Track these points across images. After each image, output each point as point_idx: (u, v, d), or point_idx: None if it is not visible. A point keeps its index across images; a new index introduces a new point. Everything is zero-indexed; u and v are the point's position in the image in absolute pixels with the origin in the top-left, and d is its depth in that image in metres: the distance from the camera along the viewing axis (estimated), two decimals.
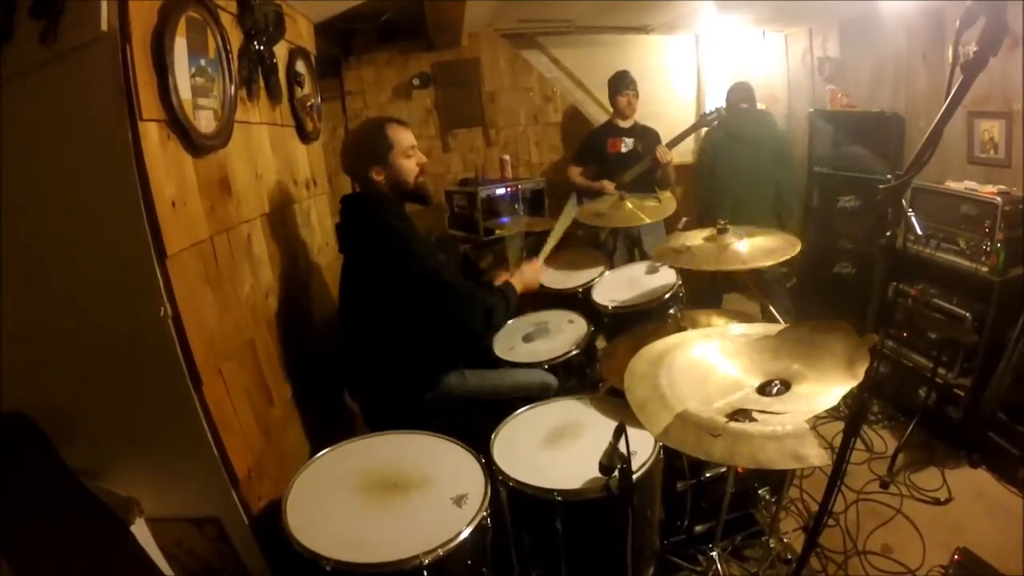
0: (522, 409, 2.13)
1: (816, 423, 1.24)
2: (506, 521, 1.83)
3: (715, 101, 4.49)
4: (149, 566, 1.57)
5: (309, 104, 2.87)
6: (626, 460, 1.49)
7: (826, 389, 1.33)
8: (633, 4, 4.05)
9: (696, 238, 2.53)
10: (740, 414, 1.31)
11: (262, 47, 2.26)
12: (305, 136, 2.86)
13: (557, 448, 1.92)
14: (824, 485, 1.49)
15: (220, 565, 1.85)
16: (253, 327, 2.07)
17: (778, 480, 2.36)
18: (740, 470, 2.13)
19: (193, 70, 1.74)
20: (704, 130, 4.36)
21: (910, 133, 3.83)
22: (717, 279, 4.25)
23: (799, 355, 1.49)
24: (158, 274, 1.54)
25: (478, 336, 2.48)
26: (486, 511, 1.60)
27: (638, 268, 3.28)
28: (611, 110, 4.40)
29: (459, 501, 1.63)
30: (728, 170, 4.24)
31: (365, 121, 2.49)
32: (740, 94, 4.29)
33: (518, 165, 4.94)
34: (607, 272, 3.25)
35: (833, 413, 2.74)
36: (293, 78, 2.68)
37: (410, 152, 2.27)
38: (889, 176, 1.31)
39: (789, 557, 2.26)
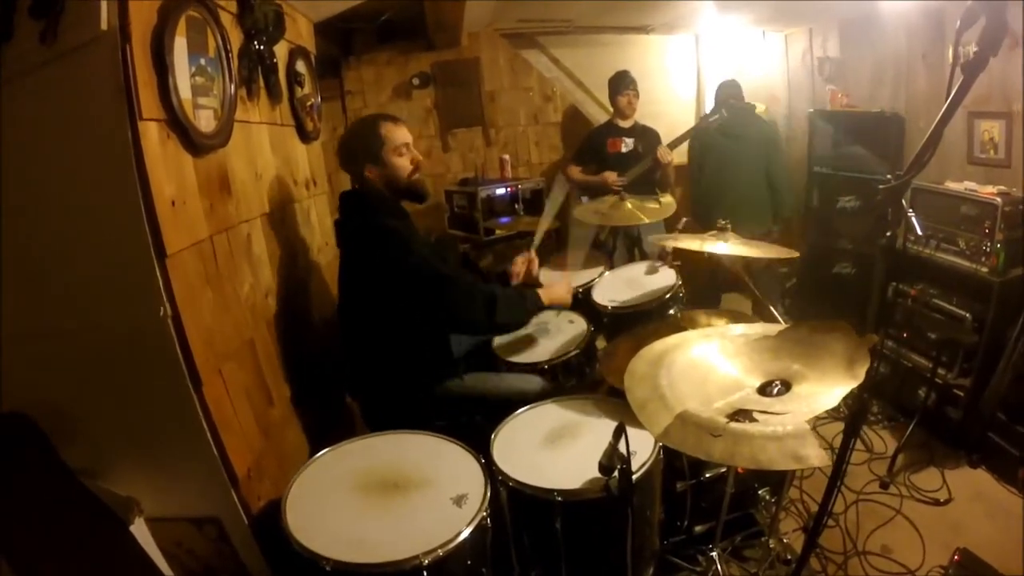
0: (522, 409, 2.13)
1: (816, 424, 1.24)
2: (506, 521, 1.83)
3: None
4: (149, 566, 1.57)
5: (309, 104, 2.87)
6: (626, 460, 1.48)
7: (826, 389, 1.33)
8: (633, 4, 4.05)
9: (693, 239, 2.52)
10: (741, 414, 1.31)
11: (262, 46, 2.26)
12: (305, 136, 2.86)
13: (557, 448, 1.91)
14: (824, 486, 1.49)
15: (220, 565, 1.85)
16: (253, 327, 2.07)
17: (778, 480, 2.36)
18: (740, 470, 2.13)
19: (193, 69, 1.74)
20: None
21: (910, 133, 3.83)
22: (717, 278, 4.25)
23: (799, 355, 1.49)
24: (158, 274, 1.54)
25: (482, 329, 2.48)
26: (486, 511, 1.60)
27: (638, 268, 3.28)
28: (611, 110, 4.40)
29: (459, 501, 1.62)
30: (716, 167, 4.23)
31: (360, 118, 2.48)
32: (728, 91, 4.29)
33: (518, 165, 4.94)
34: (607, 272, 3.25)
35: (833, 414, 2.74)
36: (293, 77, 2.68)
37: (403, 150, 2.25)
38: (889, 176, 1.31)
39: (789, 557, 2.26)
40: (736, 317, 2.65)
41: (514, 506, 1.81)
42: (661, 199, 3.29)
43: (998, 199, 2.75)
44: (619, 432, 1.47)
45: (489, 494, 1.65)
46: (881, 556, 2.32)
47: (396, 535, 1.51)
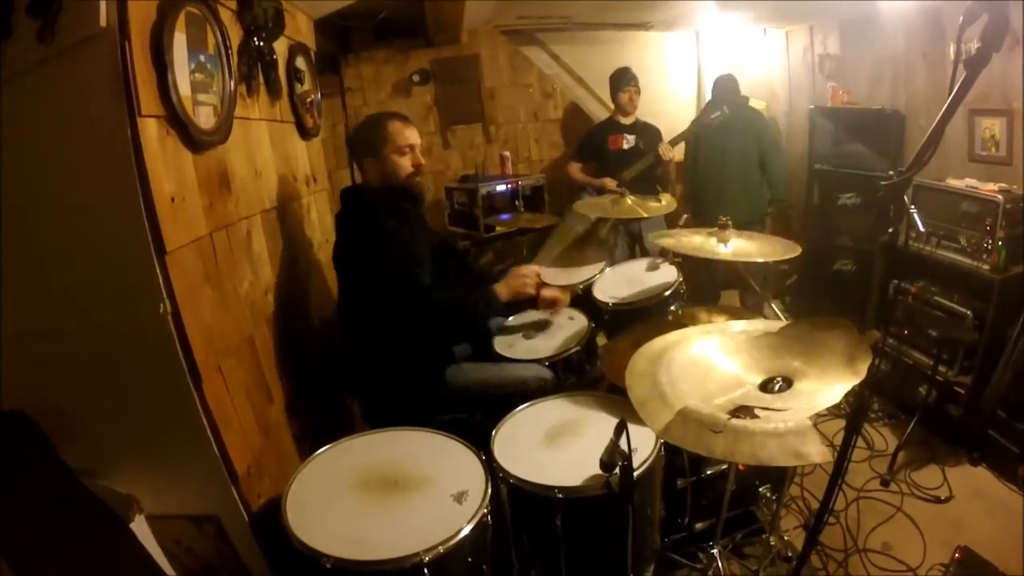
0: (522, 406, 2.12)
1: (816, 421, 1.24)
2: (506, 518, 1.83)
3: None
4: (149, 564, 1.56)
5: (309, 100, 2.86)
6: (627, 457, 1.48)
7: (827, 387, 1.33)
8: (633, 2, 4.04)
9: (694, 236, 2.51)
10: (742, 411, 1.31)
11: (262, 43, 2.25)
12: (305, 132, 2.86)
13: (557, 445, 1.91)
14: (825, 483, 1.49)
15: (219, 564, 1.84)
16: (252, 324, 2.07)
17: (779, 478, 2.35)
18: (741, 467, 2.12)
19: (192, 66, 1.74)
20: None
21: (910, 130, 3.83)
22: (716, 275, 4.25)
23: (799, 352, 1.49)
24: (157, 271, 1.53)
25: (445, 341, 2.46)
26: (487, 508, 1.60)
27: (639, 265, 3.28)
28: (612, 106, 4.40)
29: (459, 498, 1.62)
30: (707, 157, 4.23)
31: (373, 113, 2.49)
32: (725, 85, 4.28)
33: (518, 162, 4.93)
34: (608, 269, 3.25)
35: (833, 411, 2.74)
36: (293, 74, 2.67)
37: (405, 149, 2.25)
38: (891, 173, 1.30)
39: (790, 555, 2.25)
40: (736, 313, 2.65)
41: (515, 503, 1.81)
42: (662, 199, 3.29)
43: (999, 196, 2.75)
44: (620, 429, 1.47)
45: (490, 491, 1.64)
46: (882, 554, 2.32)
47: (396, 532, 1.51)
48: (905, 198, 1.34)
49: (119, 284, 1.55)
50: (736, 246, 2.34)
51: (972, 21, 1.13)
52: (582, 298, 3.04)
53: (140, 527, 1.62)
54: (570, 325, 2.78)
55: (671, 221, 3.92)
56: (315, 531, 1.51)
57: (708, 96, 4.75)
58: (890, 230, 1.36)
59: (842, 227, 4.21)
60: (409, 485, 1.69)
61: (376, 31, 4.33)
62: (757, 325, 1.68)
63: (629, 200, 3.22)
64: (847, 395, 1.31)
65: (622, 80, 4.20)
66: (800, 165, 4.58)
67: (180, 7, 1.66)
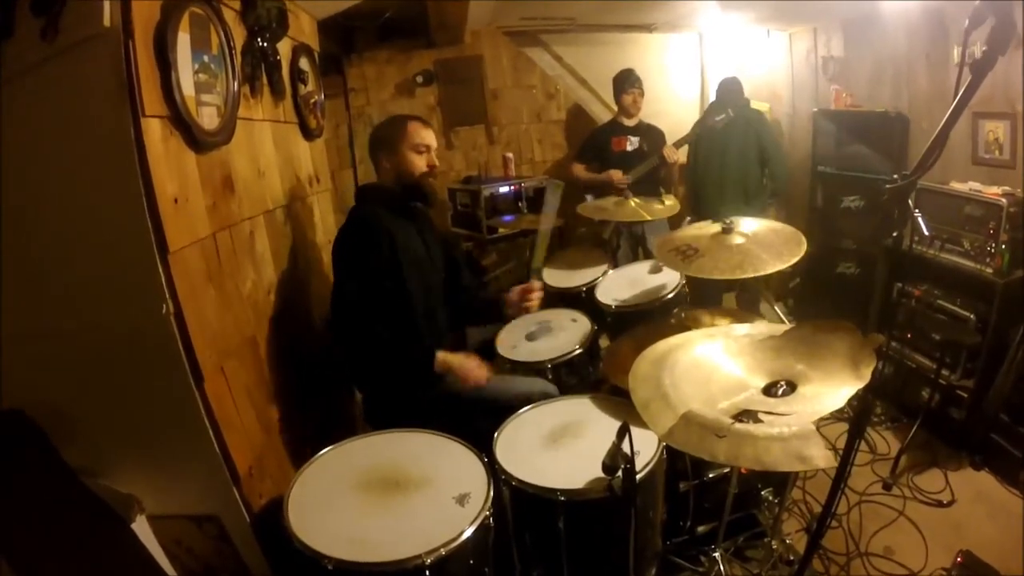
0: (525, 408, 2.12)
1: (819, 424, 1.23)
2: (508, 520, 1.82)
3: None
4: (150, 564, 1.56)
5: (312, 101, 2.86)
6: (630, 460, 1.48)
7: (832, 390, 1.33)
8: (636, 3, 4.04)
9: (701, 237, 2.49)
10: (746, 414, 1.31)
11: (265, 43, 2.25)
12: (308, 133, 2.86)
13: (560, 448, 1.91)
14: (827, 486, 1.49)
15: (220, 564, 1.84)
16: (255, 324, 2.07)
17: (781, 481, 2.35)
18: (743, 471, 2.12)
19: (196, 66, 1.74)
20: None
21: (914, 133, 3.82)
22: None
23: (803, 355, 1.49)
24: (160, 271, 1.53)
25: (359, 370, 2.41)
26: (489, 510, 1.59)
27: (642, 267, 3.28)
28: (615, 108, 4.39)
29: (462, 500, 1.62)
30: (709, 160, 4.22)
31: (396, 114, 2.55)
32: (729, 87, 4.28)
33: (521, 163, 4.93)
34: (610, 271, 3.25)
35: (835, 414, 2.72)
36: (296, 75, 2.67)
37: (422, 148, 2.32)
38: (896, 176, 1.30)
39: (791, 558, 2.25)
40: (738, 316, 2.65)
41: (517, 505, 1.81)
42: (665, 201, 3.28)
43: (1003, 200, 2.74)
44: (623, 432, 1.46)
45: (492, 493, 1.64)
46: (884, 557, 2.31)
47: (398, 534, 1.51)
48: (909, 201, 1.33)
49: (121, 284, 1.55)
50: (743, 241, 2.33)
51: (978, 24, 1.12)
52: (585, 300, 3.04)
53: (141, 527, 1.62)
54: (573, 327, 2.78)
55: (675, 224, 3.92)
56: (316, 532, 1.51)
57: (711, 98, 4.76)
58: (894, 233, 1.36)
59: (845, 230, 4.20)
60: (411, 487, 1.69)
61: (380, 32, 4.33)
62: (760, 328, 1.68)
63: (632, 202, 3.22)
64: (850, 399, 1.30)
65: (626, 82, 4.20)
66: (803, 168, 4.57)
67: (184, 7, 1.66)
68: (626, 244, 4.00)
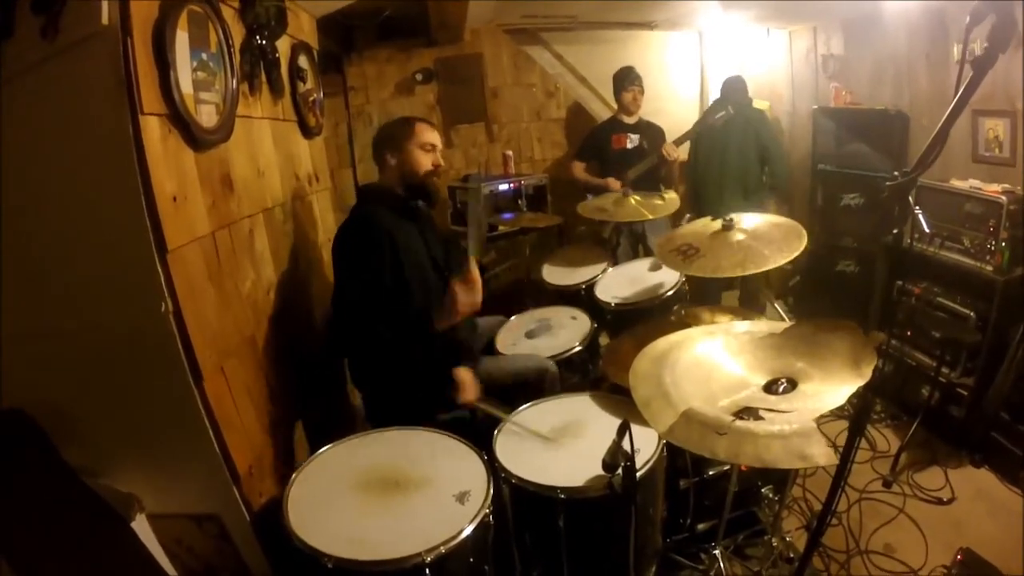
0: (525, 406, 2.12)
1: (819, 422, 1.23)
2: (508, 518, 1.82)
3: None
4: (150, 563, 1.56)
5: (311, 99, 2.86)
6: (630, 458, 1.48)
7: (832, 388, 1.33)
8: (637, 1, 4.03)
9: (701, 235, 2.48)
10: (746, 412, 1.31)
11: (264, 41, 2.25)
12: (307, 131, 2.85)
13: (560, 445, 1.91)
14: (827, 484, 1.48)
15: (220, 563, 1.84)
16: (254, 324, 2.06)
17: (781, 479, 2.35)
18: (744, 468, 2.12)
19: (195, 64, 1.73)
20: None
21: (914, 131, 3.81)
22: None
23: (803, 353, 1.49)
24: (159, 270, 1.53)
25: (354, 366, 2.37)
26: (488, 508, 1.60)
27: (641, 265, 3.27)
28: (615, 106, 4.39)
29: (461, 498, 1.62)
30: (709, 158, 4.22)
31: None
32: (734, 86, 4.28)
33: (521, 161, 4.92)
34: (610, 269, 3.24)
35: (836, 412, 2.72)
36: (295, 73, 2.67)
37: (428, 147, 2.32)
38: (896, 174, 1.30)
39: (792, 556, 2.25)
40: (739, 313, 2.65)
41: (517, 503, 1.81)
42: (665, 196, 3.28)
43: (1003, 197, 2.74)
44: (623, 429, 1.46)
45: (492, 491, 1.64)
46: (884, 555, 2.31)
47: (398, 532, 1.51)
48: (909, 199, 1.33)
49: (120, 283, 1.55)
50: (743, 238, 2.32)
51: (978, 22, 1.12)
52: (585, 298, 3.04)
53: (141, 526, 1.62)
54: (573, 325, 2.78)
55: (675, 221, 3.91)
56: (316, 531, 1.51)
57: (711, 96, 4.75)
58: (894, 231, 1.35)
59: (845, 228, 4.19)
60: (411, 485, 1.69)
61: (379, 30, 4.32)
62: (761, 326, 1.68)
63: (632, 200, 3.22)
64: (850, 396, 1.30)
65: (626, 79, 4.19)
66: (803, 166, 4.57)
67: (182, 5, 1.66)
68: (626, 242, 3.99)
